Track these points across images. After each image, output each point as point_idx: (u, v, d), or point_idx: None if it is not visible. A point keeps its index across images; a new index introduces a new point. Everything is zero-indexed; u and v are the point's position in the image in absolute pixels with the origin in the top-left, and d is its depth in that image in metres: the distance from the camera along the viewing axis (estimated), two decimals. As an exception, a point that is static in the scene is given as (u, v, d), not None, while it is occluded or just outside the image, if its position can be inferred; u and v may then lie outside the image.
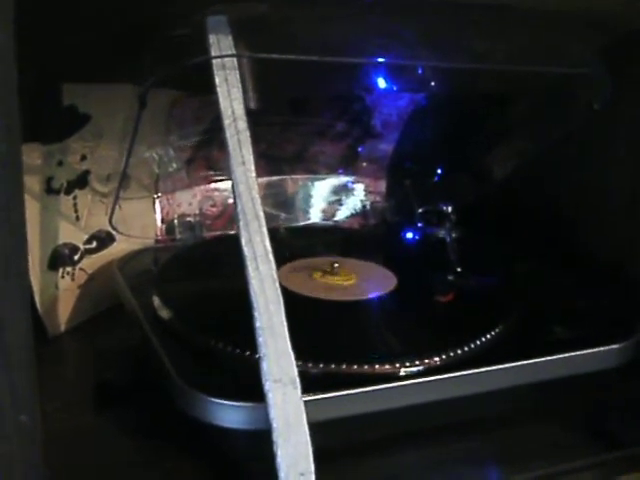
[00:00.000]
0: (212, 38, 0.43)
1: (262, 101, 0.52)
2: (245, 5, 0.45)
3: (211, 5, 0.44)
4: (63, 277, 0.59)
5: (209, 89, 0.43)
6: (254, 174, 0.41)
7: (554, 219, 0.67)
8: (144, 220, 0.66)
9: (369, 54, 0.51)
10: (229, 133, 0.41)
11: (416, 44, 0.51)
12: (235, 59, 0.43)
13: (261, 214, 0.40)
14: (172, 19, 0.46)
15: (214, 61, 0.43)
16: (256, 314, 0.38)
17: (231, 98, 0.42)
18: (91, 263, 0.61)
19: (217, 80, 0.42)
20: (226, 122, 0.41)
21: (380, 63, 0.56)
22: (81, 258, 0.60)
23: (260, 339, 0.37)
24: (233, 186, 0.40)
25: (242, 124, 0.41)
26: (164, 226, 0.67)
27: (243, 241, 0.39)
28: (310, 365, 0.42)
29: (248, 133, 0.41)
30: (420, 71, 0.60)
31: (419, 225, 0.68)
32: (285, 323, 0.38)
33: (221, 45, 0.43)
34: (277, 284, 0.39)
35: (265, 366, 0.36)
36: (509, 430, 0.46)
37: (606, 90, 0.55)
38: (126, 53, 0.49)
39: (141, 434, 0.45)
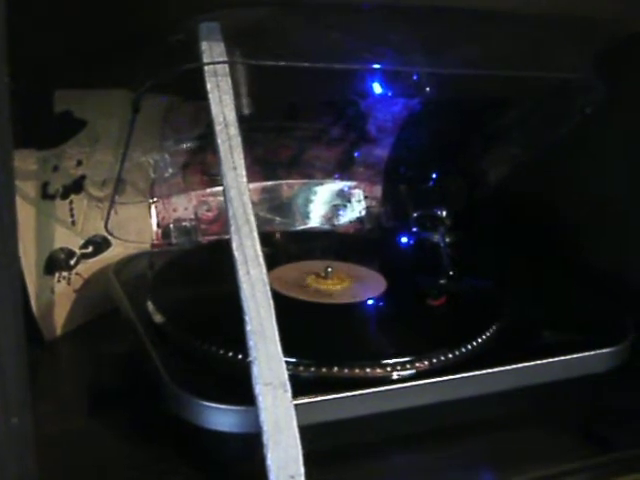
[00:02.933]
0: (204, 45, 0.43)
1: (257, 107, 0.52)
2: (238, 11, 0.46)
3: (204, 12, 0.44)
4: (59, 281, 0.59)
5: (204, 95, 0.44)
6: (245, 179, 0.41)
7: (548, 223, 0.68)
8: (140, 225, 0.66)
9: (364, 60, 0.51)
10: (220, 139, 0.42)
11: (411, 50, 0.51)
12: (227, 66, 0.43)
13: (252, 219, 0.40)
14: (166, 25, 0.46)
15: (206, 68, 0.43)
16: (247, 318, 0.38)
17: (222, 104, 0.42)
18: (87, 268, 0.61)
19: (209, 86, 0.43)
20: (217, 128, 0.42)
21: (374, 69, 0.57)
22: (77, 263, 0.60)
23: (251, 343, 0.37)
24: (224, 191, 0.41)
25: (233, 130, 0.42)
26: (160, 231, 0.67)
27: (234, 245, 0.40)
28: (301, 369, 0.43)
29: (239, 139, 0.42)
30: (415, 77, 0.60)
31: (414, 230, 0.69)
32: (276, 327, 0.38)
33: (213, 52, 0.43)
34: (268, 288, 0.39)
35: (255, 370, 0.37)
36: (501, 433, 0.47)
37: (600, 95, 0.56)
38: (121, 59, 0.50)
39: (135, 437, 0.45)
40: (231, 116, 0.42)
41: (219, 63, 0.43)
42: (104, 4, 0.44)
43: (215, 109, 0.42)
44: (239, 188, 0.40)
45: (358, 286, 0.56)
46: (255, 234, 0.40)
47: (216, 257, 0.54)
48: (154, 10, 0.45)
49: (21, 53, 0.32)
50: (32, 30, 0.40)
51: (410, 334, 0.50)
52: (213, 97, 0.43)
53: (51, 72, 0.51)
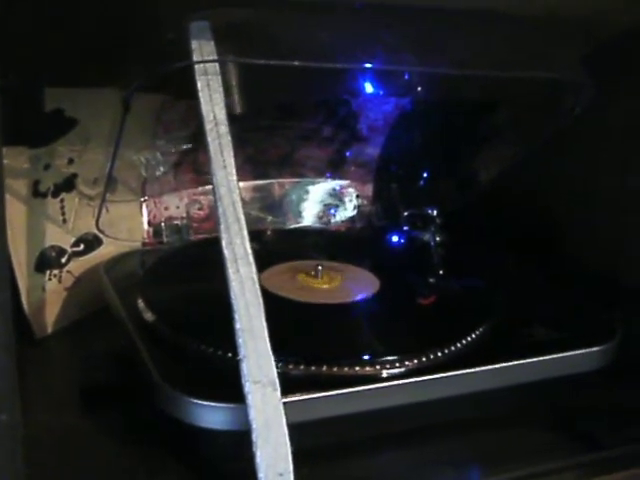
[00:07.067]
0: (194, 43, 0.43)
1: (248, 106, 0.52)
2: (228, 10, 0.46)
3: (194, 11, 0.44)
4: (50, 279, 0.59)
5: (195, 93, 0.44)
6: (235, 177, 0.41)
7: (538, 222, 0.68)
8: (131, 223, 0.66)
9: (355, 59, 0.51)
10: (210, 137, 0.42)
11: (402, 50, 0.52)
12: (217, 64, 0.43)
13: (242, 217, 0.40)
14: (157, 24, 0.46)
15: (196, 66, 0.43)
16: (236, 316, 0.38)
17: (213, 103, 0.42)
18: (78, 266, 0.61)
19: (199, 85, 0.43)
20: (208, 127, 0.42)
21: (366, 68, 0.57)
22: (68, 261, 0.60)
23: (240, 341, 0.38)
24: (214, 189, 0.41)
25: (223, 129, 0.42)
26: (151, 229, 0.67)
27: (224, 243, 0.40)
28: (290, 367, 0.43)
29: (229, 137, 0.42)
30: (406, 76, 0.60)
31: (405, 228, 0.69)
32: (265, 325, 0.38)
33: (203, 50, 0.43)
34: (257, 286, 0.39)
35: (245, 368, 0.37)
36: (490, 431, 0.47)
37: (590, 95, 0.56)
38: (112, 57, 0.50)
39: (125, 435, 0.45)
40: (221, 115, 0.42)
41: (209, 62, 0.43)
42: (95, 2, 0.45)
43: (205, 108, 0.42)
44: (229, 186, 0.41)
45: (348, 285, 0.56)
46: (245, 232, 0.40)
47: (206, 255, 0.54)
48: (145, 9, 0.45)
49: (11, 51, 0.32)
50: (23, 28, 0.40)
51: (400, 332, 0.50)
52: (203, 96, 0.43)
53: (42, 70, 0.51)
